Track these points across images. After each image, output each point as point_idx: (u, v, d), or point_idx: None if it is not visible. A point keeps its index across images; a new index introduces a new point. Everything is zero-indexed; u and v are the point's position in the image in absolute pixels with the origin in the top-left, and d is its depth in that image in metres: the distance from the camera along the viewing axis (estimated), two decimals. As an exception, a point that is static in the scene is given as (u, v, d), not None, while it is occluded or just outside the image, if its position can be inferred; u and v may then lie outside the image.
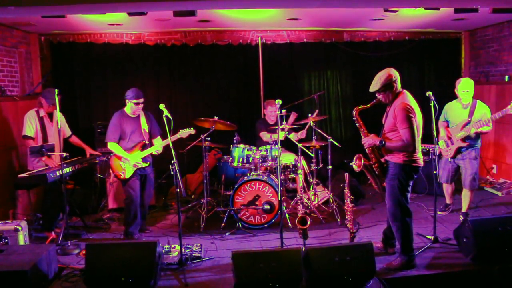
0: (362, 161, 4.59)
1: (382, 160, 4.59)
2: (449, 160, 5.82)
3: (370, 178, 4.74)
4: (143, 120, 5.71)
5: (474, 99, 5.63)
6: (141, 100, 5.53)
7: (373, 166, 4.62)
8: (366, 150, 4.66)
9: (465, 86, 5.56)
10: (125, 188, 5.62)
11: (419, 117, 4.38)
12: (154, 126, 5.84)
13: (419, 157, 4.45)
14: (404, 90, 4.47)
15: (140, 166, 5.59)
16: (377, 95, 4.50)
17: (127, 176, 5.54)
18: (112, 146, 5.55)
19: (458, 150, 5.71)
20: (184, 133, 5.85)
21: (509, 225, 4.56)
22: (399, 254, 4.58)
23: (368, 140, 4.59)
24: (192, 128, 5.91)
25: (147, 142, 5.70)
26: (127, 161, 5.52)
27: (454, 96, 5.83)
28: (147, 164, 5.69)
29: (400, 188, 4.44)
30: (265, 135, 6.99)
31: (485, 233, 4.51)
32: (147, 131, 5.72)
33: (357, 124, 4.72)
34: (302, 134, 6.90)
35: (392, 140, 4.44)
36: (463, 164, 5.74)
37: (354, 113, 4.69)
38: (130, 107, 5.56)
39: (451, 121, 5.79)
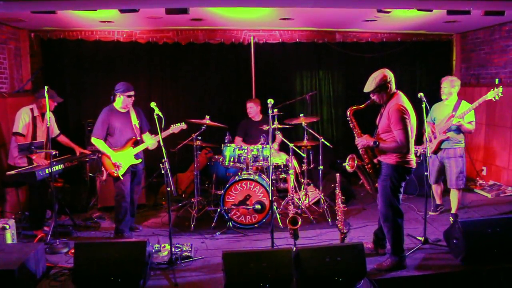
0: (355, 162, 4.59)
1: (375, 160, 4.60)
2: (430, 156, 5.90)
3: (363, 178, 4.74)
4: (133, 115, 5.65)
5: (459, 99, 5.82)
6: (133, 92, 5.50)
7: (366, 166, 4.62)
8: (360, 150, 4.66)
9: (443, 83, 5.88)
10: (117, 185, 5.56)
11: (413, 118, 4.39)
12: (143, 121, 5.79)
13: (412, 158, 4.47)
14: (399, 91, 4.49)
15: (132, 163, 5.55)
16: (371, 95, 4.52)
17: (120, 173, 5.48)
18: (96, 141, 5.49)
19: (440, 145, 5.83)
20: (176, 128, 5.82)
21: (499, 227, 4.60)
22: (390, 255, 4.59)
23: (362, 141, 4.58)
24: (184, 123, 5.88)
25: (138, 138, 5.65)
26: (115, 159, 5.45)
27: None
28: (139, 160, 5.65)
29: (392, 189, 4.45)
30: (238, 142, 7.12)
31: (474, 235, 4.54)
32: (138, 126, 5.67)
33: (351, 125, 4.72)
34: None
35: (386, 141, 4.45)
36: (448, 163, 5.85)
37: (348, 113, 4.69)
38: (122, 101, 5.50)
39: (436, 117, 5.95)
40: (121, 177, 5.49)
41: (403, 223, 4.56)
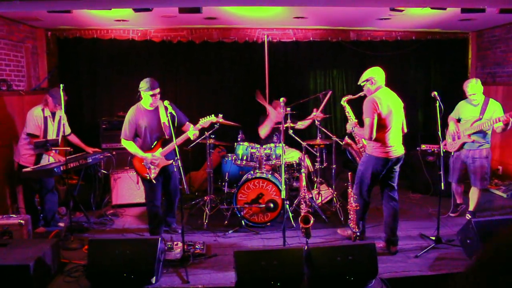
0: (343, 142, 5.42)
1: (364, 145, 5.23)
2: (453, 154, 5.89)
3: (355, 155, 5.42)
4: (162, 112, 5.33)
5: (486, 97, 5.68)
6: (157, 90, 5.17)
7: (359, 147, 5.34)
8: (352, 133, 5.29)
9: (472, 90, 5.61)
10: (146, 190, 5.49)
11: (393, 110, 4.77)
12: (179, 114, 5.48)
13: (391, 150, 4.81)
14: (384, 87, 4.90)
15: (164, 164, 5.37)
16: (363, 88, 5.01)
17: (153, 175, 5.30)
18: (125, 143, 5.31)
19: (462, 145, 5.80)
20: (205, 122, 5.51)
21: (514, 227, 4.53)
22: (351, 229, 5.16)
23: (348, 127, 5.22)
24: (213, 115, 5.56)
25: (167, 137, 5.35)
26: (145, 158, 5.26)
27: (460, 96, 5.86)
28: (170, 162, 5.33)
29: (365, 174, 4.93)
30: (264, 128, 6.92)
31: (488, 235, 4.48)
32: (167, 124, 5.23)
33: (345, 111, 5.33)
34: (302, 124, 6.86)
35: (359, 127, 5.02)
36: (472, 164, 5.74)
37: (342, 100, 5.35)
38: (147, 99, 5.21)
39: (462, 117, 5.83)
40: (154, 181, 5.30)
41: (367, 207, 5.17)
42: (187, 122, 5.63)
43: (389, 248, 4.96)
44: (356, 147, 5.39)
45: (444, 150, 5.18)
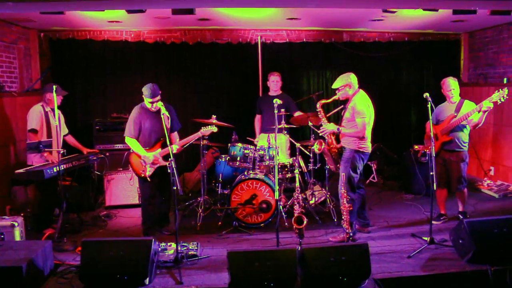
0: (323, 145, 5.50)
1: (338, 145, 5.50)
2: (433, 155, 5.85)
3: (328, 159, 5.65)
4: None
5: (462, 98, 5.72)
6: (157, 98, 5.33)
7: (331, 150, 5.52)
8: (325, 136, 5.52)
9: (452, 86, 5.68)
10: (142, 187, 5.56)
11: (372, 110, 5.30)
12: (174, 120, 5.68)
13: (368, 145, 5.33)
14: (360, 89, 5.36)
15: (161, 164, 5.43)
16: (337, 92, 5.37)
17: (148, 173, 5.40)
18: (129, 141, 5.42)
19: (442, 146, 5.73)
20: (206, 131, 5.67)
21: (505, 227, 4.56)
22: (344, 230, 5.17)
23: (327, 129, 5.42)
24: (214, 126, 5.75)
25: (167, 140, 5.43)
26: (147, 158, 5.37)
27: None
28: (167, 163, 5.28)
29: (352, 169, 5.27)
30: (257, 120, 7.31)
31: (481, 235, 4.51)
32: (168, 127, 5.47)
33: (319, 115, 5.55)
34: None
35: (347, 128, 5.32)
36: (450, 167, 5.76)
37: (317, 105, 5.56)
38: (148, 103, 5.40)
39: (440, 119, 5.81)
40: (148, 179, 5.42)
41: (357, 199, 5.39)
42: (176, 133, 5.79)
43: (363, 231, 5.60)
44: (327, 148, 5.56)
45: (429, 152, 5.26)
